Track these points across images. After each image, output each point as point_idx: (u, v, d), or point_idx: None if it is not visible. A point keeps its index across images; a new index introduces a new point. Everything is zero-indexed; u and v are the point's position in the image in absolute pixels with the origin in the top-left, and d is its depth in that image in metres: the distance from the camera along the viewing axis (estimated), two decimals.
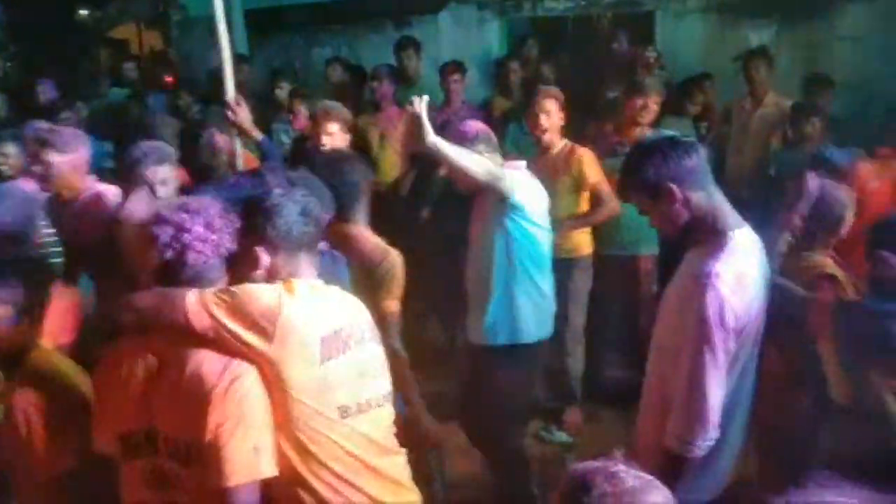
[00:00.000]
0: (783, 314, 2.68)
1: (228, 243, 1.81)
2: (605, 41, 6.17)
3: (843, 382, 2.26)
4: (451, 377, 3.85)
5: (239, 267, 1.85)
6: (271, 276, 1.83)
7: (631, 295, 4.23)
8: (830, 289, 2.65)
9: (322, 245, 2.26)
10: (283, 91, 5.69)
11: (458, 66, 5.30)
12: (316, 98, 5.29)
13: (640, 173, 2.07)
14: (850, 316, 2.22)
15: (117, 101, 6.10)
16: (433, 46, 5.89)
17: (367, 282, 2.55)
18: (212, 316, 1.69)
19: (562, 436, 4.08)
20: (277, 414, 1.72)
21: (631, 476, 1.19)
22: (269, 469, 1.67)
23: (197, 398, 1.65)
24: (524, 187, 3.06)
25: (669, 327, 2.12)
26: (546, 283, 3.19)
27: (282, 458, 1.72)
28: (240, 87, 5.45)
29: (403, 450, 1.98)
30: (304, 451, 1.74)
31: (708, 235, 2.06)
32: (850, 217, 2.80)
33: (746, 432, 2.25)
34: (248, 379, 1.68)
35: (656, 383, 2.17)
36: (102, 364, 1.87)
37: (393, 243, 3.08)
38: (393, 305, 2.60)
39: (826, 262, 2.76)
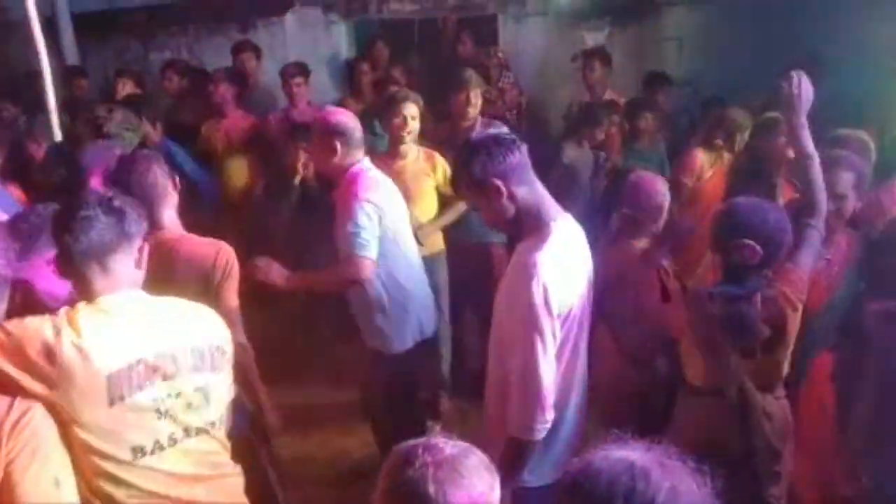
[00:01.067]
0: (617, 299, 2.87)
1: (3, 269, 1.70)
2: (451, 44, 6.29)
3: (697, 364, 2.38)
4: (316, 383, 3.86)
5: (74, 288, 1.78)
6: (85, 294, 1.76)
7: (485, 283, 4.33)
8: (657, 275, 2.85)
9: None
10: (124, 92, 5.36)
11: (299, 69, 5.23)
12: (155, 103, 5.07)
13: (467, 171, 2.13)
14: (706, 302, 2.32)
15: None
16: (280, 49, 5.78)
17: (204, 283, 2.49)
18: None
19: (436, 428, 4.10)
20: (72, 455, 1.64)
21: (449, 445, 1.25)
22: (73, 500, 1.60)
23: None
24: (384, 197, 3.05)
25: (503, 316, 2.20)
26: (413, 282, 3.21)
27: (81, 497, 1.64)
28: (75, 101, 5.18)
29: (235, 468, 1.97)
30: (99, 492, 1.68)
31: (532, 227, 2.15)
32: (667, 205, 2.97)
33: (584, 412, 2.35)
34: (38, 411, 1.58)
35: (496, 371, 2.24)
36: None
37: (247, 250, 3.03)
38: (235, 299, 2.56)
39: (645, 244, 2.94)
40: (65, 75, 5.69)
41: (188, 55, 6.47)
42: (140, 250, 1.87)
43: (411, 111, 3.87)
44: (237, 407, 2.60)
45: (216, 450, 1.91)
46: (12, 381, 1.58)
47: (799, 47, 4.96)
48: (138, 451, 1.73)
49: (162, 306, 1.87)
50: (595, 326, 3.01)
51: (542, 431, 2.09)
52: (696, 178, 4.23)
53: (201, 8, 6.50)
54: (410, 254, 3.21)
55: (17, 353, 1.59)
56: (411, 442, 1.27)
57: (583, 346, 2.26)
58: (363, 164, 3.09)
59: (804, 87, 2.43)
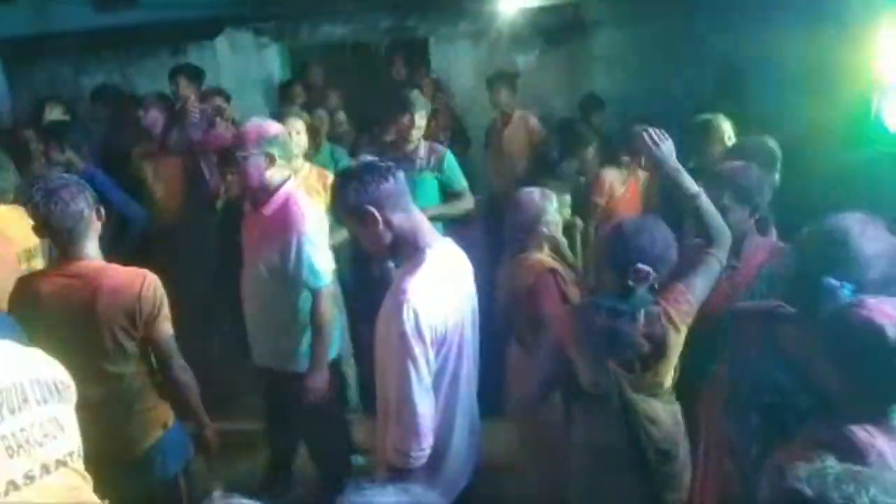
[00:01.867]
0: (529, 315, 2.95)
1: None
2: (384, 67, 6.38)
3: (586, 372, 2.44)
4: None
5: None
6: None
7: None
8: (554, 281, 2.93)
9: None
10: (53, 114, 5.30)
11: (218, 92, 5.27)
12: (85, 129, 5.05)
13: (342, 199, 2.16)
14: (591, 314, 2.39)
15: None
16: (211, 73, 5.78)
17: (130, 313, 2.50)
18: None
19: (357, 459, 3.94)
20: None
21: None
22: None
23: None
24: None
25: (381, 342, 2.21)
26: None
27: None
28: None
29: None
30: None
31: (408, 254, 2.17)
32: (547, 215, 3.04)
33: (473, 436, 2.38)
34: None
35: (381, 398, 2.26)
36: None
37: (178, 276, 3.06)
38: (168, 327, 2.58)
39: (544, 258, 3.03)
40: None
41: (121, 79, 6.44)
42: None
43: (296, 126, 3.91)
44: (171, 442, 2.67)
45: (79, 485, 1.84)
46: None
47: (721, 63, 5.20)
48: (11, 485, 1.65)
49: None
50: (508, 348, 3.12)
51: (418, 459, 2.10)
52: (609, 197, 4.39)
53: (133, 31, 6.48)
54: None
55: None
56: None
57: (466, 373, 2.27)
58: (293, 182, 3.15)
59: (662, 140, 2.51)
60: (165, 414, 2.69)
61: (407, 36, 6.67)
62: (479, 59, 6.61)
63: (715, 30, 5.40)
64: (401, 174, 2.19)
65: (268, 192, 3.06)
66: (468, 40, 6.63)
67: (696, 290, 2.39)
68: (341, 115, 5.72)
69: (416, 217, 2.20)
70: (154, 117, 4.70)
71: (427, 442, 2.10)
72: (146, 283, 2.54)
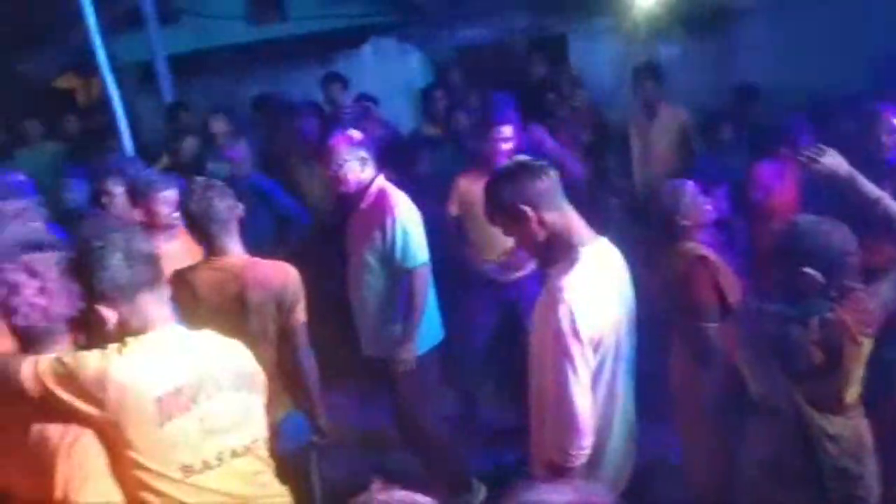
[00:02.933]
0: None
1: (62, 308, 1.76)
2: (523, 67, 6.39)
3: (755, 382, 2.35)
4: None
5: (94, 328, 1.80)
6: (123, 330, 1.79)
7: None
8: (705, 268, 2.83)
9: None
10: (217, 129, 5.69)
11: (366, 97, 5.49)
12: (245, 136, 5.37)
13: (496, 198, 2.19)
14: (756, 318, 2.28)
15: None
16: (357, 80, 6.02)
17: (277, 303, 2.74)
18: (44, 386, 1.67)
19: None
20: (121, 473, 1.72)
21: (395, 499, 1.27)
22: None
23: (43, 459, 1.66)
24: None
25: (537, 340, 2.21)
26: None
27: None
28: (180, 132, 5.56)
29: (282, 489, 2.04)
30: None
31: (562, 252, 2.16)
32: (690, 205, 2.94)
33: (630, 439, 2.35)
34: (89, 437, 1.69)
35: (534, 396, 2.27)
36: None
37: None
38: (304, 315, 2.83)
39: (695, 246, 2.92)
40: (168, 112, 6.14)
41: (274, 90, 6.81)
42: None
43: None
44: (291, 424, 2.84)
45: (262, 469, 1.98)
46: (67, 406, 1.67)
47: (878, 51, 4.85)
48: (188, 469, 1.80)
49: (197, 336, 1.95)
50: (668, 339, 3.05)
51: (578, 458, 2.09)
52: (767, 193, 4.19)
53: (283, 43, 6.84)
54: None
55: (71, 381, 1.68)
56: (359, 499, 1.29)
57: (622, 373, 2.23)
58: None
59: (821, 155, 2.43)
60: (287, 400, 2.90)
61: (544, 34, 6.65)
62: (618, 53, 6.49)
63: (870, 17, 5.04)
64: (554, 173, 2.20)
65: (363, 191, 3.41)
66: (607, 35, 6.53)
67: (882, 298, 2.22)
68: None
69: (569, 215, 2.20)
70: (308, 123, 4.97)
71: (587, 440, 2.09)
72: (291, 275, 2.81)
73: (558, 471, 2.11)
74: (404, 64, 6.81)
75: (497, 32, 6.71)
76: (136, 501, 1.74)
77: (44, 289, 1.73)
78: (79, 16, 4.66)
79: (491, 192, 2.23)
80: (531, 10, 6.53)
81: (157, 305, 1.85)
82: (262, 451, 2.00)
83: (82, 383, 1.68)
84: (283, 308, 2.77)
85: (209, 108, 6.21)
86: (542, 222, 2.15)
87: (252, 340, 2.64)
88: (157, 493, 1.75)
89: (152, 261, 1.87)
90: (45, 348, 1.76)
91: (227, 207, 2.79)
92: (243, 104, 6.26)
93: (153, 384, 1.75)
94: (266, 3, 7.79)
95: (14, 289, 1.71)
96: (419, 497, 1.29)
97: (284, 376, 2.86)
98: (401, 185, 3.55)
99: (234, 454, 1.89)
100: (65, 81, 9.62)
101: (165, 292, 1.90)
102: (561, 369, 2.05)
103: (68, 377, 1.68)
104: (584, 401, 2.07)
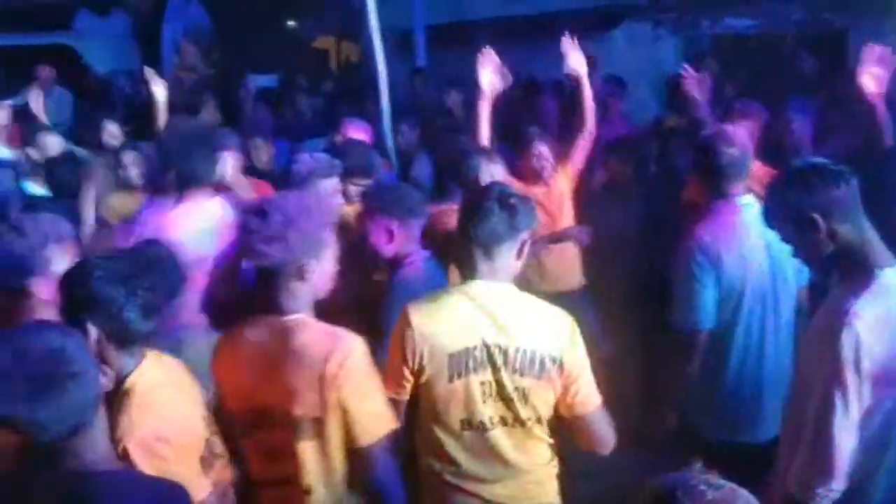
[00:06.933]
0: None
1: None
2: (790, 61, 5.90)
3: None
4: None
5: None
6: (468, 274, 2.05)
7: None
8: None
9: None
10: (453, 101, 5.91)
11: (614, 81, 5.33)
12: None
13: (781, 201, 1.99)
14: None
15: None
16: (605, 63, 5.90)
17: None
18: None
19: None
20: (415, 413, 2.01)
21: (711, 488, 1.18)
22: (395, 421, 1.92)
23: (309, 378, 1.81)
24: None
25: (808, 359, 2.03)
26: None
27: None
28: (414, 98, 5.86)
29: (550, 465, 2.12)
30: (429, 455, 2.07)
31: (852, 271, 1.94)
32: None
33: None
34: (358, 352, 1.85)
35: (791, 413, 2.08)
36: (216, 349, 2.04)
37: None
38: None
39: None
40: (411, 76, 6.45)
41: (522, 67, 6.88)
42: (523, 244, 2.03)
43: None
44: None
45: (532, 445, 2.06)
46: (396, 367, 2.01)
47: None
48: (465, 423, 2.00)
49: (520, 303, 2.03)
50: None
51: (826, 500, 1.89)
52: None
53: (536, 20, 6.87)
54: None
55: (395, 348, 2.01)
56: (667, 480, 1.23)
57: None
58: None
59: None
60: None
61: (821, 28, 6.08)
62: None
63: None
64: (854, 181, 1.96)
65: None
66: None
67: None
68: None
69: (867, 232, 1.96)
70: (548, 103, 4.97)
71: (838, 484, 1.88)
72: None
73: None
74: (656, 50, 6.56)
75: (765, 23, 6.24)
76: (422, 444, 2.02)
77: None
78: None
79: (776, 193, 2.03)
80: (809, 3, 5.98)
81: (505, 259, 2.02)
82: (538, 430, 2.06)
83: (397, 348, 2.02)
84: None
85: (457, 79, 6.44)
86: (832, 234, 1.94)
87: None
88: (437, 442, 2.02)
89: (514, 217, 2.01)
90: None
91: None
92: None
93: (449, 341, 1.96)
94: None
95: None
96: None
97: None
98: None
99: (504, 422, 2.02)
100: (322, 43, 10.45)
101: (515, 248, 2.04)
102: (829, 400, 1.86)
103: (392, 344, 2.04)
104: (846, 440, 1.87)
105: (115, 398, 1.71)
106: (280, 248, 1.85)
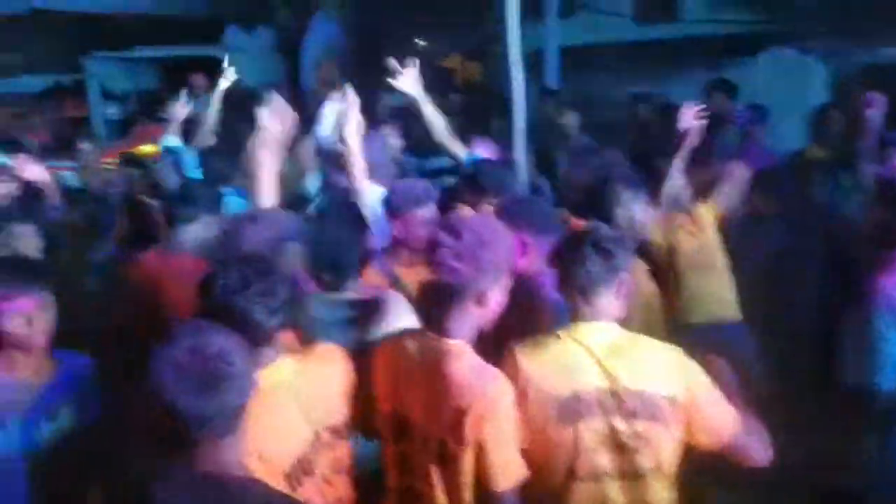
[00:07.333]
0: None
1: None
2: None
3: None
4: None
5: None
6: (573, 317, 1.99)
7: None
8: None
9: None
10: (567, 121, 5.83)
11: (756, 110, 5.14)
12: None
13: None
14: None
15: None
16: (747, 90, 5.69)
17: None
18: None
19: None
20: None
21: None
22: (525, 469, 1.84)
23: (455, 408, 1.79)
24: None
25: None
26: None
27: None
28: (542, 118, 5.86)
29: None
30: None
31: None
32: None
33: None
34: (507, 397, 1.82)
35: None
36: (374, 355, 2.06)
37: None
38: None
39: None
40: (539, 96, 6.44)
41: (656, 90, 6.75)
42: (622, 284, 1.97)
43: None
44: None
45: (653, 499, 1.93)
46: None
47: None
48: (574, 473, 1.89)
49: (627, 343, 1.95)
50: None
51: None
52: None
53: (670, 44, 6.73)
54: None
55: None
56: None
57: None
58: None
59: None
60: None
61: None
62: None
63: None
64: None
65: None
66: None
67: None
68: None
69: None
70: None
71: None
72: None
73: None
74: (802, 79, 6.26)
75: None
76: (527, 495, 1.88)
77: None
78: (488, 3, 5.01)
79: None
80: None
81: (605, 301, 1.97)
82: (658, 480, 1.93)
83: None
84: None
85: (585, 102, 6.39)
86: None
87: None
88: (544, 488, 1.90)
89: (611, 259, 1.97)
90: None
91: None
92: (622, 101, 6.30)
93: (556, 385, 1.89)
94: (657, 2, 7.75)
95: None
96: None
97: None
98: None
99: (623, 477, 1.90)
100: (448, 61, 10.63)
101: (614, 290, 2.00)
102: None
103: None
104: None
105: None
106: (470, 266, 1.83)
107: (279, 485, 1.78)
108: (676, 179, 3.54)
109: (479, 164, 3.69)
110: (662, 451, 1.90)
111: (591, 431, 1.87)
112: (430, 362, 1.87)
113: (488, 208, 3.17)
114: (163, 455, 1.53)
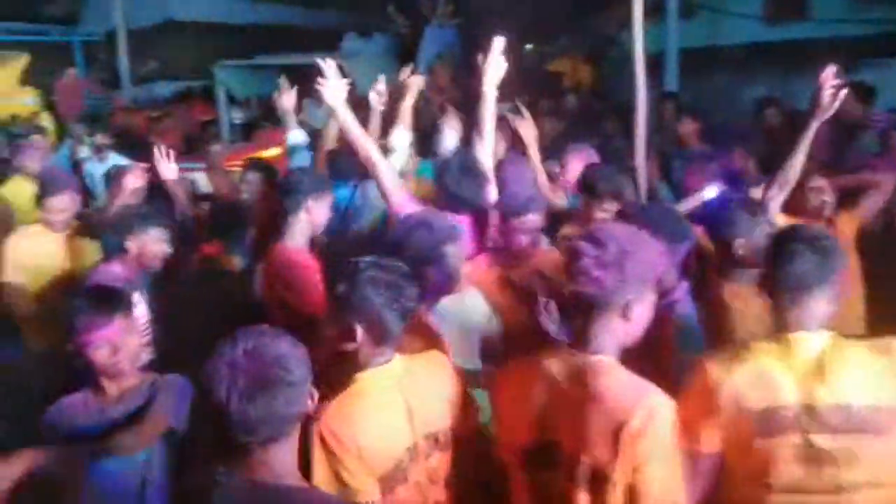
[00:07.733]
0: None
1: None
2: None
3: None
4: None
5: None
6: (777, 323, 1.88)
7: None
8: None
9: None
10: (686, 129, 5.61)
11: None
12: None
13: None
14: None
15: None
16: (885, 93, 5.32)
17: None
18: None
19: None
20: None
21: None
22: (685, 495, 1.68)
23: (607, 427, 1.64)
24: None
25: None
26: None
27: None
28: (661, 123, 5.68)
29: None
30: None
31: None
32: None
33: None
34: (665, 412, 1.65)
35: None
36: (500, 379, 1.94)
37: None
38: None
39: None
40: (658, 100, 6.25)
41: (781, 93, 6.44)
42: (835, 286, 1.83)
43: None
44: None
45: None
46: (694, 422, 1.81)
47: None
48: (771, 488, 1.79)
49: (833, 353, 1.81)
50: None
51: None
52: None
53: (800, 45, 6.40)
54: None
55: (693, 403, 1.82)
56: None
57: None
58: None
59: None
60: None
61: None
62: None
63: None
64: None
65: None
66: None
67: None
68: None
69: None
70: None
71: None
72: None
73: None
74: None
75: None
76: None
77: None
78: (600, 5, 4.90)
79: None
80: None
81: (816, 304, 1.84)
82: (868, 492, 1.79)
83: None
84: None
85: (707, 104, 6.17)
86: None
87: None
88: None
89: (827, 259, 1.84)
90: None
91: None
92: (747, 104, 6.04)
93: (755, 398, 1.79)
94: (787, 2, 7.38)
95: None
96: None
97: None
98: None
99: (830, 490, 1.79)
100: (557, 66, 10.52)
101: (827, 293, 1.87)
102: None
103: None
104: None
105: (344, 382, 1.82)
106: (615, 275, 1.70)
107: (372, 489, 1.75)
108: (799, 158, 3.03)
109: (593, 168, 3.59)
110: (876, 463, 1.77)
111: (787, 446, 1.77)
112: (578, 381, 1.73)
113: (602, 214, 3.09)
114: (223, 462, 1.48)
